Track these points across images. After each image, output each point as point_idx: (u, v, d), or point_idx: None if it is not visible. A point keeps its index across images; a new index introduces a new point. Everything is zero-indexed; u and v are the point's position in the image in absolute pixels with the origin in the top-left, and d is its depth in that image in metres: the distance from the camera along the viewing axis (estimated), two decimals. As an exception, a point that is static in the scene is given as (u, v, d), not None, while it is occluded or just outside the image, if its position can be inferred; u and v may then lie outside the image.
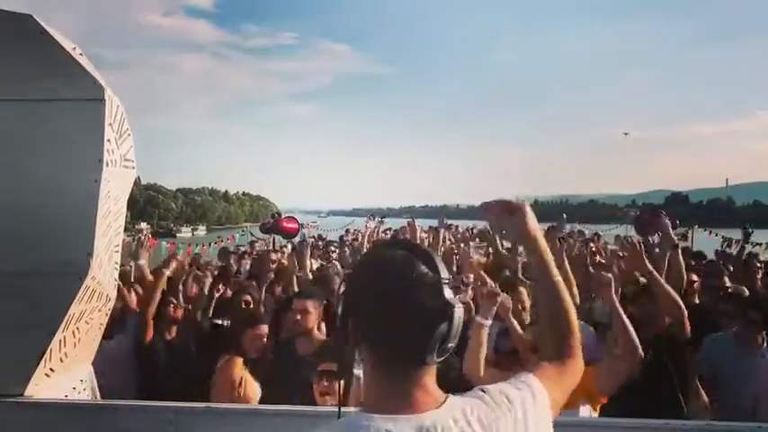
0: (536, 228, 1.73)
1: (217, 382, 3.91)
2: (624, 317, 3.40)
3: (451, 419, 1.33)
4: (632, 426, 2.86)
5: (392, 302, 1.36)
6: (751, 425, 2.92)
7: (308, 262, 7.20)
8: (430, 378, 1.39)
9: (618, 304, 3.43)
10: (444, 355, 1.39)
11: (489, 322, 3.55)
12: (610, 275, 3.56)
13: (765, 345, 4.48)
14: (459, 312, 1.39)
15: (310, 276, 6.68)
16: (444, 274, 1.41)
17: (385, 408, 1.34)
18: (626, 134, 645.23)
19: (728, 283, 6.61)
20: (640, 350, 3.33)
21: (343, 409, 1.51)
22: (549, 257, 1.75)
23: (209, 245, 14.53)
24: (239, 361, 3.92)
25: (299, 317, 4.31)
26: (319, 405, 3.31)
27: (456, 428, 1.32)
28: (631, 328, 3.36)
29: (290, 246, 11.90)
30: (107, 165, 2.92)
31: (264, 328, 4.14)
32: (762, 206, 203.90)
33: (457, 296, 1.42)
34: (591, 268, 6.59)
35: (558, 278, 1.73)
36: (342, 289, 1.44)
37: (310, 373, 3.53)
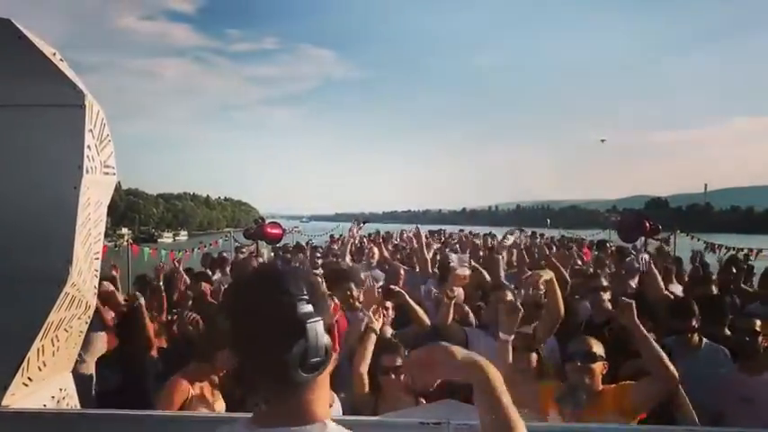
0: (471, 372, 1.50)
1: (161, 399, 3.79)
2: (648, 337, 3.38)
3: None
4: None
5: (247, 321, 1.43)
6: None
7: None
8: (310, 396, 1.45)
9: (639, 326, 3.41)
10: (314, 372, 1.42)
11: (511, 337, 3.59)
12: (631, 302, 3.50)
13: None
14: (315, 327, 1.40)
15: None
16: (300, 290, 1.43)
17: (265, 421, 1.44)
18: (603, 141, 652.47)
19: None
20: (671, 367, 3.32)
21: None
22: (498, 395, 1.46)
23: (192, 250, 14.42)
24: (183, 385, 3.81)
25: None
26: None
27: None
28: (661, 352, 3.34)
29: (266, 251, 11.86)
30: (87, 171, 2.89)
31: None
32: (740, 211, 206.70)
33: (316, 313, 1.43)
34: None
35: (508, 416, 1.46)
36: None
37: None
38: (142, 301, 5.31)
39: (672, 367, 3.31)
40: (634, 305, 3.47)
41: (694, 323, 4.67)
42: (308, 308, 1.40)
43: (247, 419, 1.50)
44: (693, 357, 4.50)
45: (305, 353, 1.38)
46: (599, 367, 3.44)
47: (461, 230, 12.21)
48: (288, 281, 1.43)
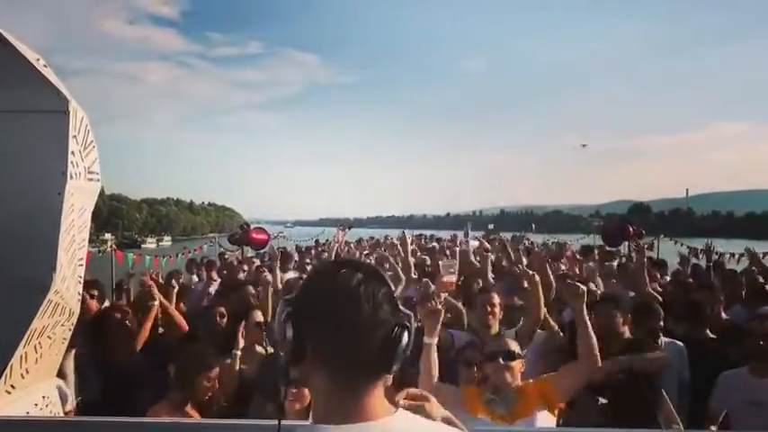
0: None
1: None
2: (588, 324, 3.49)
3: (403, 428, 1.38)
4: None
5: (348, 318, 1.38)
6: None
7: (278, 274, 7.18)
8: (380, 390, 1.42)
9: (585, 312, 3.51)
10: (401, 364, 1.42)
11: (435, 340, 3.55)
12: (584, 287, 3.59)
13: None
14: (413, 323, 1.45)
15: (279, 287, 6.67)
16: (393, 288, 1.47)
17: (337, 418, 1.36)
18: (584, 146, 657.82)
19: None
20: (598, 357, 3.42)
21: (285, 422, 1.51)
22: None
23: (177, 256, 14.33)
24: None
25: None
26: (289, 411, 3.35)
27: None
28: (593, 335, 3.46)
29: (257, 257, 11.81)
30: (71, 177, 2.88)
31: (216, 371, 3.94)
32: (720, 216, 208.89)
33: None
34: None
35: None
36: (287, 311, 1.44)
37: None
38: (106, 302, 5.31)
39: (597, 354, 3.43)
40: (585, 291, 3.56)
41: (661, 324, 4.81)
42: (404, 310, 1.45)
43: (311, 424, 1.42)
44: None
45: (406, 347, 1.40)
46: (518, 365, 3.51)
47: (455, 235, 12.20)
48: (387, 281, 1.45)
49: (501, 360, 3.45)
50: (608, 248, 11.98)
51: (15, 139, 2.86)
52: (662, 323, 4.99)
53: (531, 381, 3.57)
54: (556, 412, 3.42)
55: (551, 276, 6.15)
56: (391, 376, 1.42)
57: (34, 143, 2.87)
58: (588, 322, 3.50)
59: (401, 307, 1.44)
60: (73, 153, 2.90)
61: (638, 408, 3.68)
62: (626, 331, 4.48)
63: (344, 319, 1.37)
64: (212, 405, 3.89)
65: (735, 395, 4.13)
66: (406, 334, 1.40)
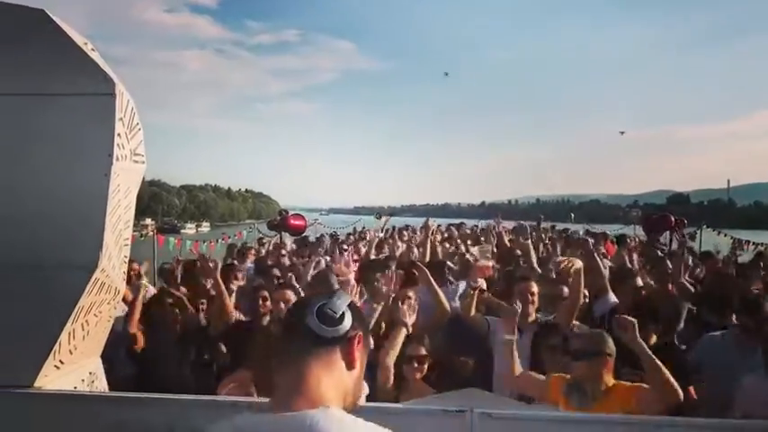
0: None
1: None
2: (653, 357, 3.33)
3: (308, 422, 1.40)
4: (628, 421, 2.87)
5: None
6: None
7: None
8: (317, 374, 1.51)
9: (643, 346, 3.37)
10: (331, 324, 1.53)
11: (515, 337, 3.62)
12: (634, 321, 3.42)
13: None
14: (342, 294, 1.61)
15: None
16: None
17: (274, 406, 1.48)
18: (622, 133, 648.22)
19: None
20: (679, 389, 3.28)
21: None
22: None
23: (216, 241, 14.55)
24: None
25: (282, 305, 4.44)
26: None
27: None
28: (660, 368, 3.29)
29: (289, 242, 11.90)
30: (117, 159, 2.94)
31: None
32: (763, 207, 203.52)
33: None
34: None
35: None
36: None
37: None
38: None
39: (674, 382, 3.26)
40: (636, 324, 3.39)
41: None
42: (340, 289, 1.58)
43: (267, 405, 1.53)
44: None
45: (326, 301, 1.54)
46: (607, 363, 3.41)
47: (497, 221, 12.05)
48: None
49: (587, 359, 3.38)
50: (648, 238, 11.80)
51: (63, 121, 2.92)
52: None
53: (624, 383, 3.49)
54: None
55: (600, 264, 6.11)
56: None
57: (82, 125, 2.92)
58: (648, 351, 3.34)
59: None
60: (119, 135, 2.96)
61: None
62: (653, 339, 4.31)
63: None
64: None
65: (754, 394, 4.03)
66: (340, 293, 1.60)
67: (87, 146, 2.92)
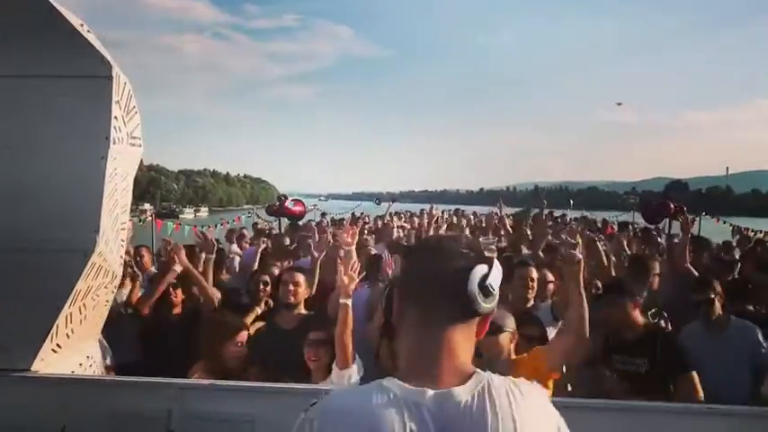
0: None
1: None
2: (583, 295, 3.34)
3: (470, 396, 1.34)
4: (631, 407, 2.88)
5: (431, 263, 1.48)
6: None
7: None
8: (462, 345, 1.44)
9: (580, 282, 3.37)
10: (491, 301, 1.45)
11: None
12: (580, 255, 3.43)
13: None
14: (496, 263, 1.48)
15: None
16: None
17: (412, 377, 1.37)
18: (619, 104, 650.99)
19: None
20: (586, 327, 3.30)
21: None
22: None
23: (216, 226, 14.54)
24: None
25: (291, 287, 4.41)
26: (313, 373, 3.58)
27: (474, 406, 1.32)
28: (585, 307, 3.32)
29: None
30: (114, 142, 2.92)
31: (244, 335, 3.89)
32: (760, 195, 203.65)
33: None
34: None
35: None
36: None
37: (298, 345, 3.67)
38: None
39: (585, 325, 3.28)
40: (582, 262, 3.40)
41: (712, 295, 4.60)
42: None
43: (391, 378, 1.40)
44: (721, 336, 4.42)
45: (486, 276, 1.44)
46: (508, 337, 3.46)
47: (494, 212, 11.97)
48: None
49: (489, 334, 3.39)
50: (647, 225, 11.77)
51: (59, 103, 2.90)
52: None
53: (525, 354, 3.53)
54: (550, 383, 3.36)
55: (600, 248, 6.12)
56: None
57: (78, 108, 2.91)
58: (583, 291, 3.35)
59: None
60: (116, 118, 2.94)
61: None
62: (638, 318, 4.28)
63: (426, 264, 1.50)
64: (244, 370, 3.88)
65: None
66: (495, 266, 1.47)
67: (84, 128, 2.90)
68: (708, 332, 4.43)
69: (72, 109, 2.91)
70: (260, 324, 4.61)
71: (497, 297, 1.48)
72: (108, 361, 3.77)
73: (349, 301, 3.56)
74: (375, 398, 1.34)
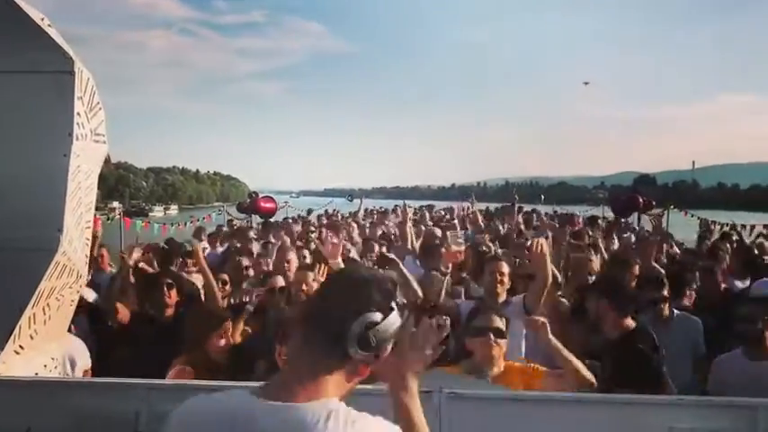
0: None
1: None
2: (567, 354, 3.27)
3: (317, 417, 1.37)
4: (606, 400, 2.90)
5: (332, 295, 1.52)
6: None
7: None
8: (330, 377, 1.46)
9: (556, 343, 3.30)
10: (368, 350, 1.45)
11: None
12: (543, 320, 3.39)
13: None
14: (395, 316, 1.47)
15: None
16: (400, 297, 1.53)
17: (272, 387, 1.47)
18: (586, 83, 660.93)
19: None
20: (593, 379, 3.25)
21: None
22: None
23: (185, 224, 14.41)
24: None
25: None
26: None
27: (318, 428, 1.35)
28: (577, 363, 3.26)
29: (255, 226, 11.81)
30: (77, 138, 2.87)
31: (228, 325, 3.83)
32: (726, 188, 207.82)
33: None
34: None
35: None
36: None
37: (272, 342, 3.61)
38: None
39: (589, 374, 3.23)
40: (548, 325, 3.35)
41: (665, 293, 4.71)
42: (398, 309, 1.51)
43: (250, 390, 1.50)
44: (666, 329, 4.52)
45: (372, 326, 1.44)
46: (505, 344, 3.42)
47: (468, 207, 12.04)
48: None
49: (492, 336, 3.35)
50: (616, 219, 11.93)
51: (20, 99, 2.85)
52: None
53: (516, 364, 3.47)
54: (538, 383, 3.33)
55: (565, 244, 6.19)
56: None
57: (39, 104, 2.85)
58: (560, 348, 3.28)
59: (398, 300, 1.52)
60: (79, 114, 2.89)
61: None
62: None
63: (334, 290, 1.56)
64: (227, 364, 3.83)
65: (730, 379, 4.09)
66: (389, 318, 1.47)
67: (45, 125, 2.85)
68: (654, 327, 4.50)
69: (33, 105, 2.85)
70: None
71: (385, 348, 1.49)
72: (81, 363, 3.69)
73: None
74: (219, 400, 1.51)
